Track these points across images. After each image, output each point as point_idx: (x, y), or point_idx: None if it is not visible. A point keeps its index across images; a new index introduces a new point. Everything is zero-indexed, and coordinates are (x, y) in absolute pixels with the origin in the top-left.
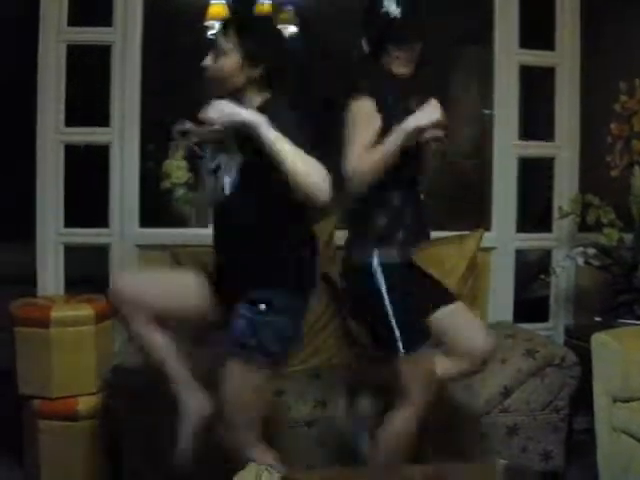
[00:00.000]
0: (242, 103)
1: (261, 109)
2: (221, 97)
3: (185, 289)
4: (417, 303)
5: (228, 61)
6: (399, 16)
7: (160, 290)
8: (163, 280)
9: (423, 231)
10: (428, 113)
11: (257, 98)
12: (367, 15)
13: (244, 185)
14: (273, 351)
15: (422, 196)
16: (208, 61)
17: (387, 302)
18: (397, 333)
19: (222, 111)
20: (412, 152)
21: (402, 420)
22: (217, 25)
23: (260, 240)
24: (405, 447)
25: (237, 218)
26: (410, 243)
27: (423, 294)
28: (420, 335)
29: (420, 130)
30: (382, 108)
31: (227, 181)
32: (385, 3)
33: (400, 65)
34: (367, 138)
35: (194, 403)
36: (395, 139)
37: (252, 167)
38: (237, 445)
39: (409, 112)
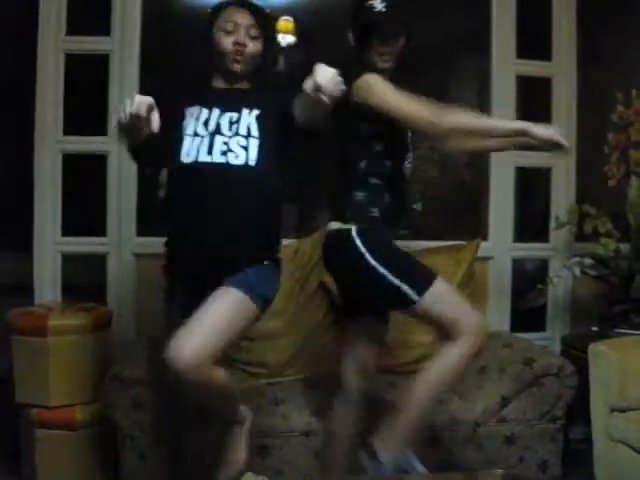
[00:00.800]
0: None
1: None
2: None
3: (231, 314)
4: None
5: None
6: (383, 10)
7: (221, 336)
8: (217, 322)
9: (404, 212)
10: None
11: None
12: (353, 9)
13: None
14: (269, 297)
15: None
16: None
17: (375, 263)
18: (403, 286)
19: (337, 78)
20: (393, 136)
21: (451, 356)
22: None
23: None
24: (450, 384)
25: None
26: (389, 221)
27: None
28: (427, 275)
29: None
30: None
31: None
32: None
33: (383, 60)
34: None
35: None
36: None
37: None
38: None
39: None
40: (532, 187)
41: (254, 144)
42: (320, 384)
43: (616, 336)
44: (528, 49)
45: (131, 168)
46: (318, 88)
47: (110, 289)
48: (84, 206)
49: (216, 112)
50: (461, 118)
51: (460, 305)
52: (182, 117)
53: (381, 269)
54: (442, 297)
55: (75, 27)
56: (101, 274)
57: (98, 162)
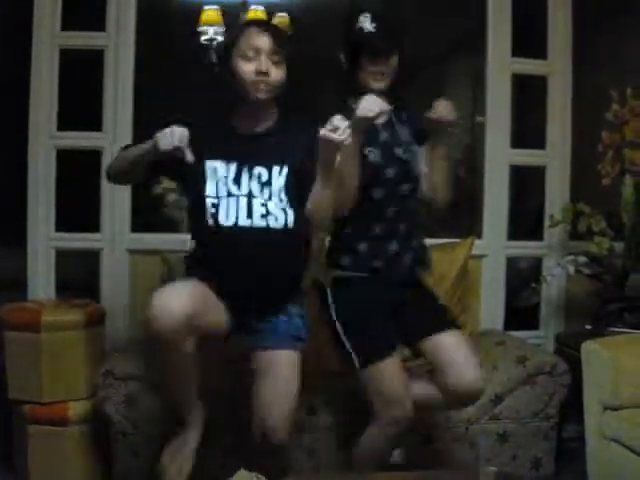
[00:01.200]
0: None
1: None
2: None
3: (216, 301)
4: (379, 319)
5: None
6: (373, 30)
7: (202, 305)
8: (200, 294)
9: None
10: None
11: None
12: (344, 30)
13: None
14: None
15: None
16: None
17: (335, 319)
18: (351, 351)
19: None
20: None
21: (368, 436)
22: (210, 30)
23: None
24: (374, 462)
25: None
26: (376, 256)
27: (416, 314)
28: (377, 350)
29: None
30: None
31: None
32: (360, 19)
33: (375, 80)
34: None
35: (200, 419)
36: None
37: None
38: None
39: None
40: (526, 185)
41: (289, 205)
42: (313, 381)
43: (610, 334)
44: (523, 47)
45: None
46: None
47: (104, 285)
48: (78, 202)
49: (245, 170)
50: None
51: (391, 396)
52: (201, 165)
53: (338, 327)
54: (380, 379)
55: (70, 22)
56: (95, 270)
57: (92, 158)
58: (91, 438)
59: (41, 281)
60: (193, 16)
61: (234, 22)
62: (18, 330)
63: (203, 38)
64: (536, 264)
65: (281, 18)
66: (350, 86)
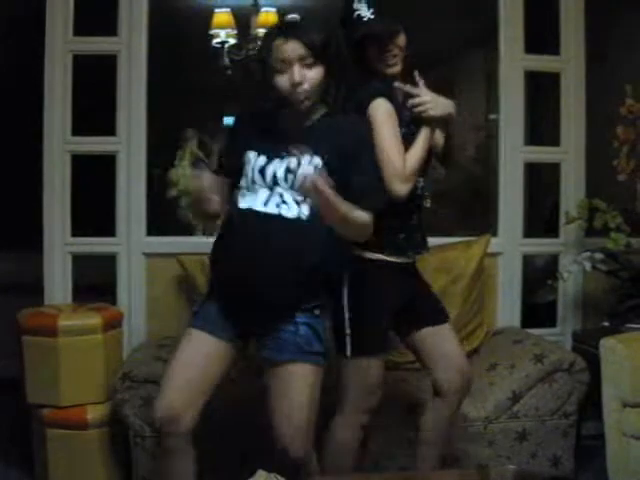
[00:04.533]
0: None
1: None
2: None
3: (211, 361)
4: (387, 314)
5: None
6: (372, 17)
7: (201, 383)
8: (198, 370)
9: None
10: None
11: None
12: (344, 26)
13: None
14: (329, 349)
15: (426, 203)
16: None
17: (345, 303)
18: (348, 337)
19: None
20: None
21: (342, 427)
22: (222, 33)
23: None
24: (348, 455)
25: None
26: (409, 246)
27: (422, 304)
28: (372, 345)
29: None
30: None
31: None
32: (356, 6)
33: (387, 66)
34: (399, 143)
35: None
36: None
37: None
38: (303, 451)
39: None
40: (542, 182)
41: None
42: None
43: (627, 331)
44: (536, 44)
45: (140, 167)
46: None
47: (120, 289)
48: (93, 206)
49: (273, 160)
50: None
51: (372, 387)
52: (242, 156)
53: (346, 312)
54: (359, 375)
55: (82, 28)
56: (111, 274)
57: (107, 162)
58: (109, 441)
59: (58, 286)
60: (205, 19)
61: (265, 38)
62: (36, 335)
63: (215, 41)
64: (552, 261)
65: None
66: (363, 78)
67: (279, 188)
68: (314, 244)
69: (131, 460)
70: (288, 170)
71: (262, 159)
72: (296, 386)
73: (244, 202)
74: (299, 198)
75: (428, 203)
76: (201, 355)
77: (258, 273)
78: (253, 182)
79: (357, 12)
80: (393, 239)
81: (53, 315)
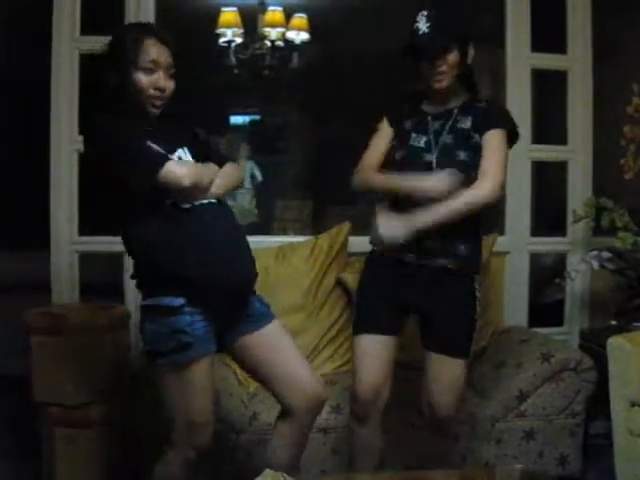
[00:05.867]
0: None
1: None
2: None
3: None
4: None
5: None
6: (427, 31)
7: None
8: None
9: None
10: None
11: None
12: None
13: None
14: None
15: None
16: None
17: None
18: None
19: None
20: None
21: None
22: (229, 32)
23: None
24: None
25: None
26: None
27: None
28: (365, 324)
29: None
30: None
31: None
32: (418, 17)
33: (435, 81)
34: (371, 154)
35: None
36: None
37: None
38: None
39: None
40: (549, 181)
41: None
42: (338, 381)
43: (635, 330)
44: (543, 42)
45: None
46: None
47: (127, 288)
48: (100, 205)
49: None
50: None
51: (356, 370)
52: None
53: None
54: (356, 351)
55: (89, 26)
56: (118, 273)
57: None
58: (116, 440)
59: (65, 285)
60: (211, 18)
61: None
62: (43, 334)
63: (222, 40)
64: (560, 260)
65: (300, 18)
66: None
67: None
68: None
69: (138, 459)
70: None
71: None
72: (286, 338)
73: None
74: None
75: None
76: (208, 380)
77: (238, 260)
78: None
79: (416, 23)
80: None
81: (60, 314)
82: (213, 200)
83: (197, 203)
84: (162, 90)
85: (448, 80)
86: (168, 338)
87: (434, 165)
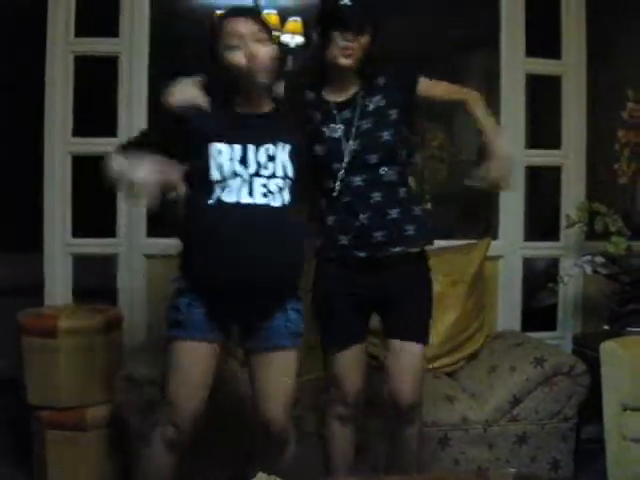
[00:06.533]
0: None
1: None
2: None
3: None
4: (343, 306)
5: None
6: (349, 3)
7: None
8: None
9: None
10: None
11: None
12: (321, 3)
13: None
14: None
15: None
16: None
17: (313, 299)
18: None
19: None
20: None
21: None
22: None
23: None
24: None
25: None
26: (342, 231)
27: (397, 311)
28: (335, 343)
29: None
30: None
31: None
32: None
33: (344, 55)
34: None
35: None
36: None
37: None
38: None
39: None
40: (542, 186)
41: (288, 185)
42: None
43: (628, 335)
44: (537, 47)
45: None
46: None
47: (120, 290)
48: (94, 207)
49: (251, 149)
50: None
51: (336, 381)
52: (202, 146)
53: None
54: (334, 367)
55: (84, 28)
56: (111, 275)
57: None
58: (109, 443)
59: (58, 286)
60: (206, 21)
61: None
62: (36, 336)
63: None
64: (553, 265)
65: (294, 22)
66: (319, 60)
67: (260, 179)
68: (297, 228)
69: (131, 462)
70: (268, 154)
71: (238, 149)
72: (287, 371)
73: (228, 196)
74: (281, 185)
75: (429, 205)
76: (199, 365)
77: (258, 268)
78: (235, 174)
79: None
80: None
81: (53, 316)
82: (254, 202)
83: (228, 201)
84: None
85: (355, 60)
86: (169, 313)
87: (360, 151)
